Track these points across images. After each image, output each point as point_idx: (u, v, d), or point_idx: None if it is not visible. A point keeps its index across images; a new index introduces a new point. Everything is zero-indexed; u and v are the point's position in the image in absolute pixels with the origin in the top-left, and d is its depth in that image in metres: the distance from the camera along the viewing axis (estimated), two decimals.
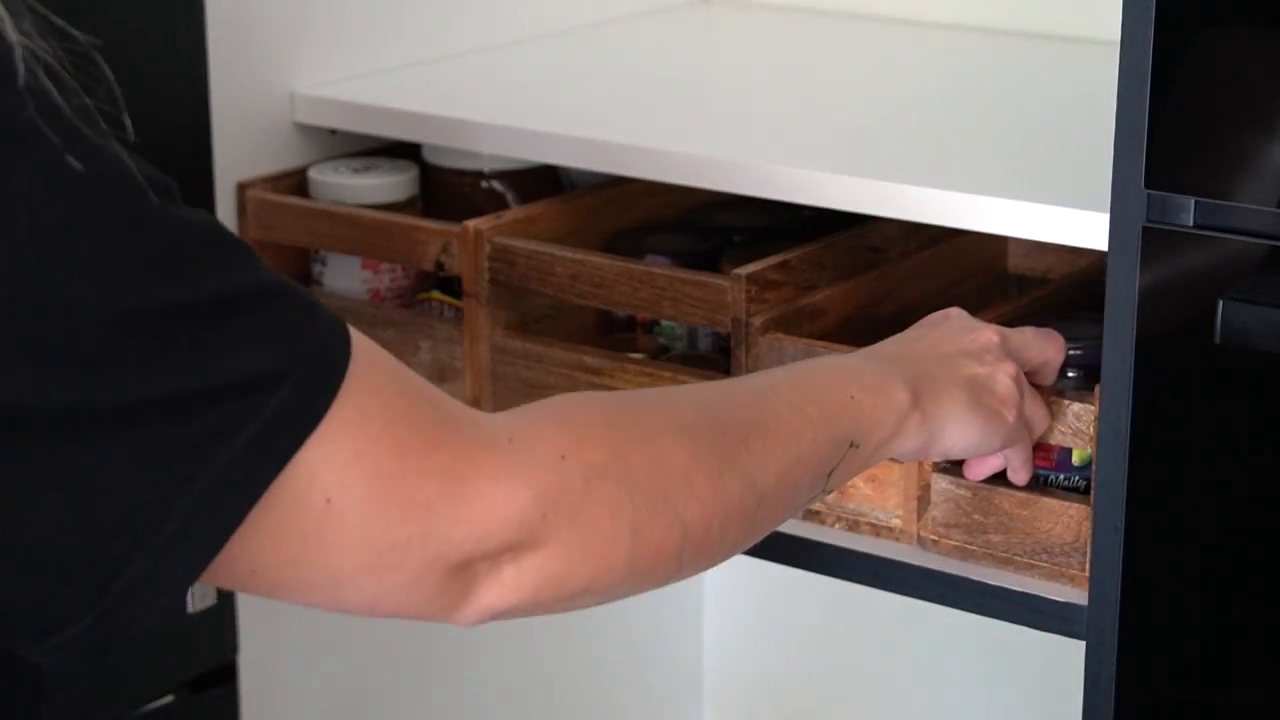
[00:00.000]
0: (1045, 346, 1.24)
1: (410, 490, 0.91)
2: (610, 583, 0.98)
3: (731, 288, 1.35)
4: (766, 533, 1.06)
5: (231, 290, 0.87)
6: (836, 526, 1.34)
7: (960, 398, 1.16)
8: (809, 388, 1.09)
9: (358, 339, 0.91)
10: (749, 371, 1.34)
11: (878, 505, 1.32)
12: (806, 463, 1.06)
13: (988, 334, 1.20)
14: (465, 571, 0.94)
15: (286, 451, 0.87)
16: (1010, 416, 1.19)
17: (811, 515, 1.35)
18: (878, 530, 1.32)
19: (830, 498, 1.33)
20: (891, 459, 1.17)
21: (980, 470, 1.26)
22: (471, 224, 1.44)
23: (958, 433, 1.16)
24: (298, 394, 0.87)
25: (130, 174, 0.89)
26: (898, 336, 1.21)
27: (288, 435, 0.87)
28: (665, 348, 1.48)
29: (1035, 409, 1.22)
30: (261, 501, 0.87)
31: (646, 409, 1.02)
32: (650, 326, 1.50)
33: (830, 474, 1.09)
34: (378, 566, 0.92)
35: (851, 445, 1.09)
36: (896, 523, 1.31)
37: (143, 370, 0.84)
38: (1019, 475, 1.25)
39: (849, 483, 1.30)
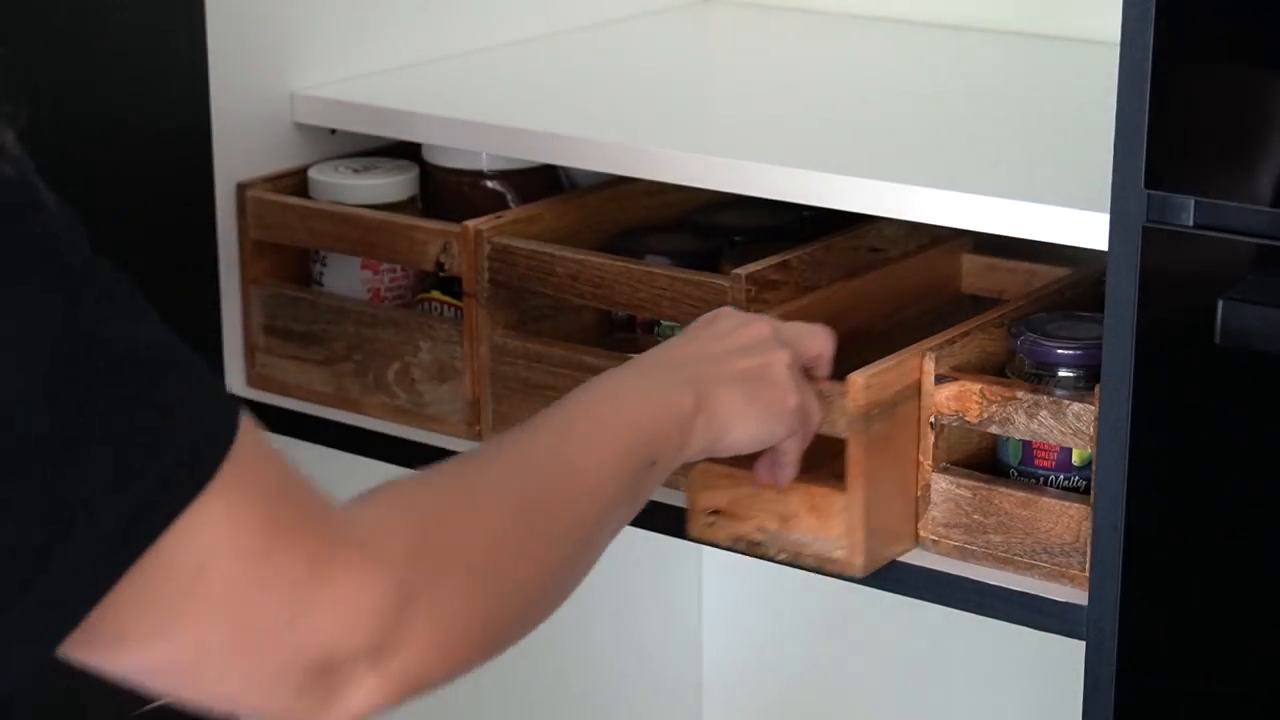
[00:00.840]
0: (816, 339, 1.25)
1: (278, 568, 0.91)
2: (467, 666, 0.99)
3: (731, 288, 1.35)
4: (592, 567, 1.10)
5: (136, 352, 0.87)
6: (779, 558, 1.29)
7: (739, 392, 1.18)
8: (604, 424, 1.11)
9: (245, 418, 0.91)
10: None
11: (820, 535, 1.27)
12: (617, 499, 1.10)
13: (758, 326, 1.21)
14: (327, 673, 0.93)
15: (166, 517, 0.87)
16: (791, 403, 1.20)
17: (753, 547, 1.30)
18: (821, 563, 1.28)
19: (772, 527, 1.28)
20: (685, 463, 1.19)
21: (767, 473, 1.26)
22: (471, 224, 1.44)
23: (741, 427, 1.18)
24: (182, 462, 0.87)
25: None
26: (669, 341, 1.22)
27: (168, 502, 0.87)
28: None
29: (810, 400, 1.23)
30: (135, 567, 0.86)
31: (479, 488, 1.03)
32: (650, 327, 1.50)
33: (636, 498, 1.12)
34: (241, 649, 0.91)
35: (651, 464, 1.12)
36: (840, 554, 1.27)
37: (34, 419, 0.83)
38: (787, 471, 1.25)
39: (791, 513, 1.28)
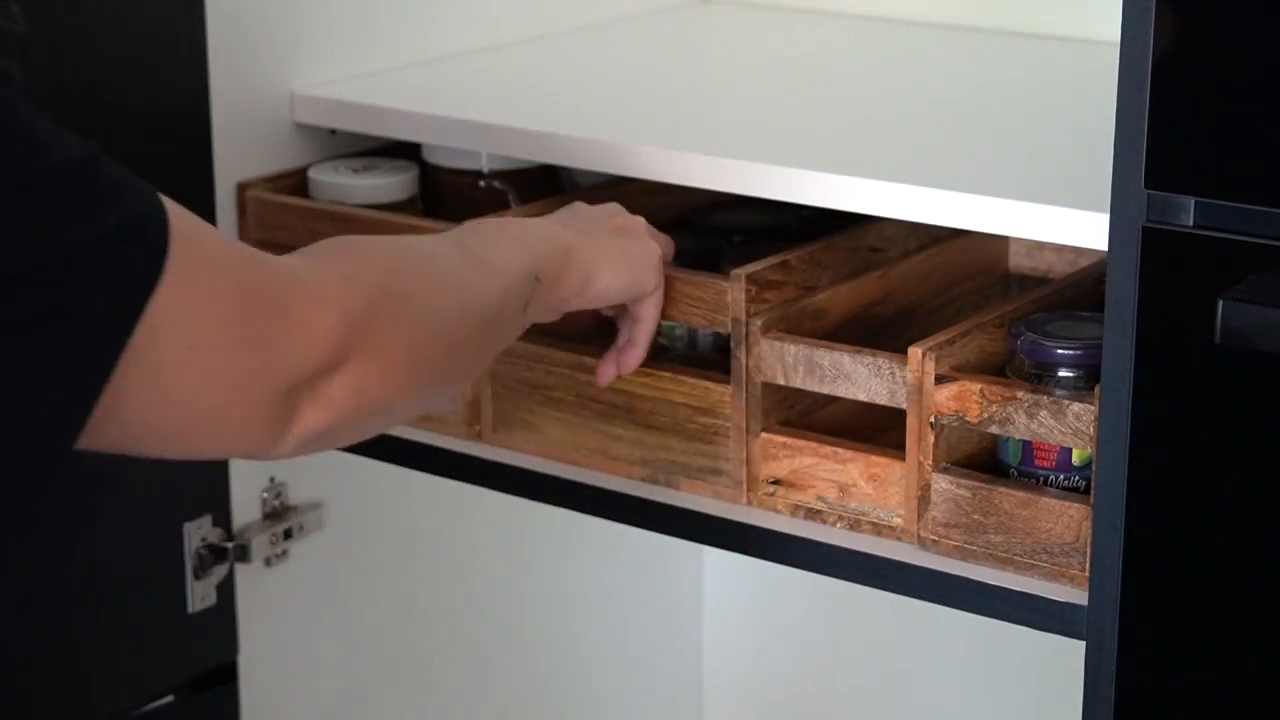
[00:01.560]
0: (660, 237, 1.38)
1: (250, 326, 1.02)
2: (400, 396, 1.12)
3: (732, 288, 1.35)
4: (492, 358, 1.25)
5: (57, 161, 0.94)
6: (838, 526, 1.34)
7: (607, 240, 1.32)
8: (496, 232, 1.26)
9: (167, 200, 0.99)
10: (752, 372, 1.35)
11: (879, 504, 1.32)
12: (510, 290, 1.22)
13: (612, 204, 1.36)
14: (290, 398, 1.05)
15: (142, 300, 0.96)
16: (654, 253, 1.34)
17: (812, 515, 1.35)
18: (879, 530, 1.32)
19: (832, 497, 1.33)
20: (563, 312, 1.31)
21: (621, 358, 1.37)
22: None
23: (611, 268, 1.31)
24: (139, 246, 0.96)
25: None
26: (536, 219, 1.34)
27: (139, 284, 0.96)
28: (665, 348, 1.48)
29: (662, 270, 1.35)
30: (128, 355, 0.96)
31: (402, 246, 1.18)
32: None
33: (525, 308, 1.25)
34: (228, 405, 1.03)
35: (536, 279, 1.25)
36: (898, 521, 1.31)
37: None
38: (636, 351, 1.37)
39: (850, 482, 1.32)
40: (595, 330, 1.49)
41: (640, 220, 1.36)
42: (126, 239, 0.95)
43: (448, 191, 1.57)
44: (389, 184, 1.55)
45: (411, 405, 1.16)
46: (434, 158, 1.58)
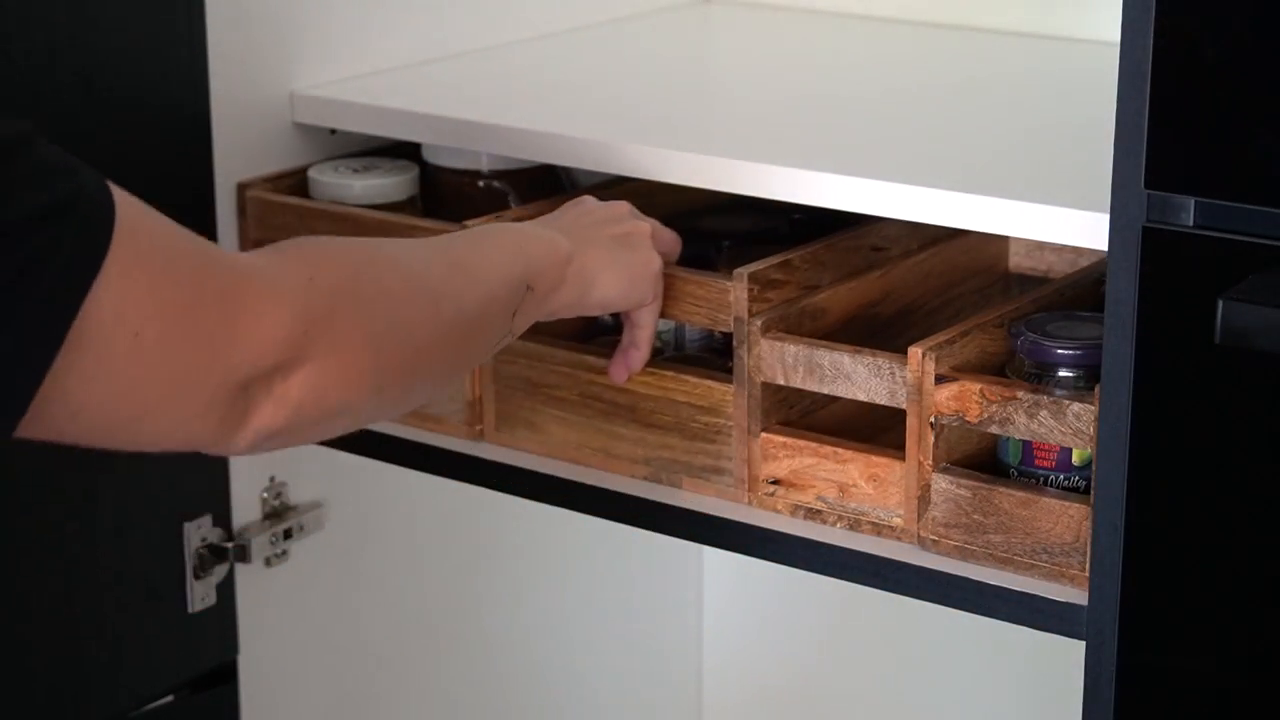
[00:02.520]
0: (667, 235, 1.38)
1: (199, 317, 1.02)
2: (360, 398, 1.11)
3: (734, 287, 1.35)
4: (473, 364, 1.25)
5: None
6: (838, 526, 1.34)
7: (607, 250, 1.32)
8: (488, 239, 1.26)
9: (115, 188, 0.99)
10: (753, 372, 1.35)
11: (879, 504, 1.32)
12: (497, 298, 1.22)
13: (620, 205, 1.36)
14: (244, 394, 1.05)
15: (85, 284, 0.96)
16: (654, 267, 1.34)
17: (812, 515, 1.35)
18: (879, 530, 1.32)
19: (832, 497, 1.33)
20: (558, 317, 1.31)
21: (626, 359, 1.38)
22: (471, 224, 1.44)
23: (609, 280, 1.31)
24: (82, 231, 0.96)
25: None
26: (543, 216, 1.35)
27: (82, 269, 0.96)
28: (658, 350, 1.48)
29: (661, 280, 1.36)
30: (72, 340, 0.96)
31: (371, 248, 1.17)
32: None
33: (514, 315, 1.24)
34: (176, 396, 1.02)
35: (528, 288, 1.25)
36: (898, 521, 1.31)
37: None
38: (638, 354, 1.37)
39: (850, 482, 1.31)
40: (581, 336, 1.49)
41: (645, 227, 1.35)
42: (61, 220, 0.95)
43: (447, 191, 1.57)
44: (389, 184, 1.55)
45: (376, 407, 1.15)
46: (434, 158, 1.58)
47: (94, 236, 0.97)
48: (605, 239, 1.32)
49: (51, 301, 0.95)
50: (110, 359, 0.98)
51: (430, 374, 1.19)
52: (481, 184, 1.56)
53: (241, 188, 1.54)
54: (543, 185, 1.57)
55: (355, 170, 1.56)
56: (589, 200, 1.37)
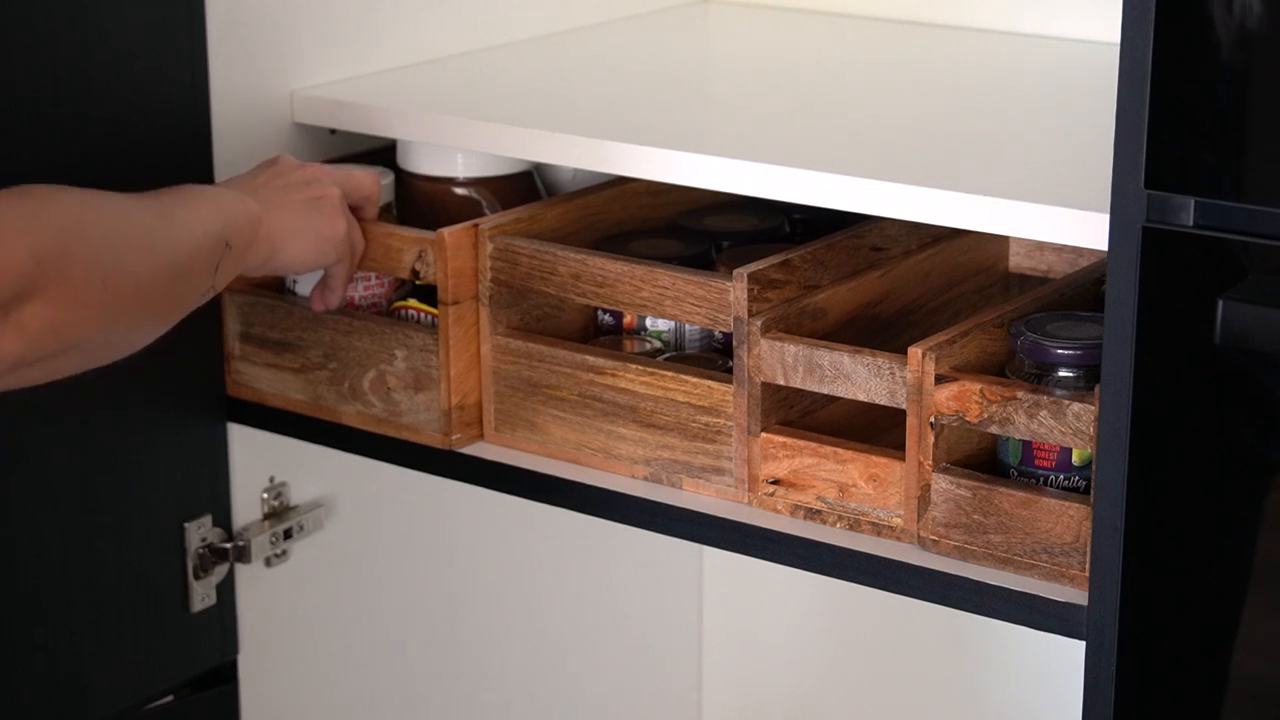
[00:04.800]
0: (366, 180, 1.46)
1: None
2: (92, 332, 1.20)
3: (734, 287, 1.35)
4: (185, 309, 1.29)
5: None
6: (838, 526, 1.34)
7: (296, 214, 1.39)
8: (191, 196, 1.32)
9: None
10: (753, 372, 1.35)
11: (879, 505, 1.32)
12: (202, 249, 1.30)
13: (312, 169, 1.43)
14: None
15: None
16: (340, 231, 1.41)
17: (812, 515, 1.35)
18: (879, 530, 1.32)
19: (832, 497, 1.33)
20: (249, 277, 1.41)
21: (319, 299, 1.47)
22: (476, 222, 1.44)
23: (297, 245, 1.39)
24: None
25: None
26: (234, 177, 1.43)
27: None
28: (659, 350, 1.48)
29: (356, 232, 1.44)
30: None
31: (90, 194, 1.24)
32: (635, 332, 1.50)
33: (216, 270, 1.31)
34: None
35: (227, 246, 1.32)
36: (898, 522, 1.32)
37: None
38: (333, 296, 1.46)
39: (850, 482, 1.32)
40: (581, 337, 1.49)
41: (334, 192, 1.42)
42: None
43: (422, 199, 1.56)
44: None
45: (105, 343, 1.24)
46: (409, 165, 1.57)
47: None
48: (295, 203, 1.39)
49: None
50: None
51: (151, 314, 1.27)
52: (458, 191, 1.55)
53: None
54: (520, 192, 1.56)
55: None
56: (284, 161, 1.43)
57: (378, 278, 1.52)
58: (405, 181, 1.57)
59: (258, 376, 1.53)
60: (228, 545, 1.57)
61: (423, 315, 1.48)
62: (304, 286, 1.52)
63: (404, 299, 1.50)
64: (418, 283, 1.47)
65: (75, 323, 1.18)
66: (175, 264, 1.27)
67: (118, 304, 1.22)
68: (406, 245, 1.45)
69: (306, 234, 1.40)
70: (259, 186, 1.40)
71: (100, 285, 1.20)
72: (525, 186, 1.57)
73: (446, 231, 1.43)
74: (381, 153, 1.59)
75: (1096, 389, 1.21)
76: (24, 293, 1.15)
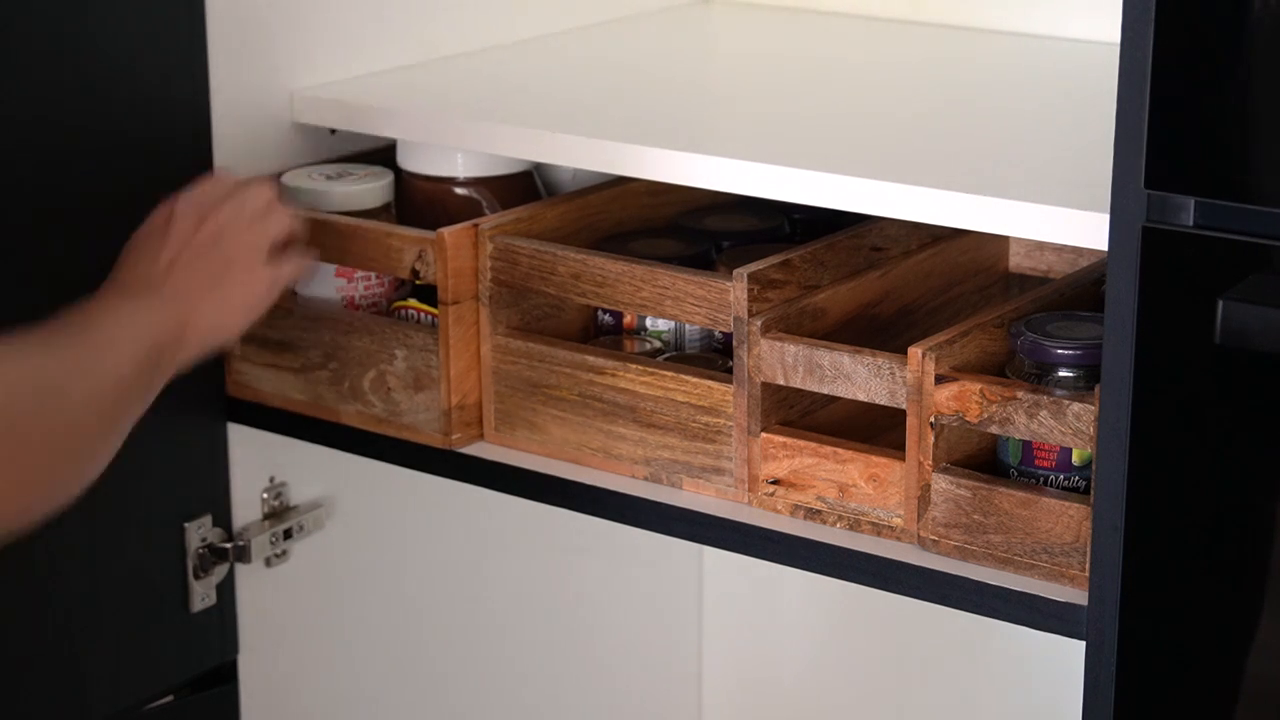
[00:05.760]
0: (259, 197, 1.36)
1: None
2: (35, 506, 1.16)
3: (734, 287, 1.35)
4: (120, 436, 1.23)
5: None
6: (838, 526, 1.34)
7: (212, 293, 1.32)
8: (102, 334, 1.24)
9: None
10: (753, 372, 1.35)
11: (879, 505, 1.32)
12: (127, 383, 1.24)
13: (211, 219, 1.33)
14: None
15: None
16: (262, 287, 1.35)
17: (812, 515, 1.35)
18: (879, 530, 1.32)
19: (832, 497, 1.33)
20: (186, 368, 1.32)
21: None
22: (476, 222, 1.44)
23: (225, 322, 1.33)
24: None
25: None
26: (132, 257, 1.32)
27: None
28: (659, 350, 1.48)
29: (274, 268, 1.36)
30: None
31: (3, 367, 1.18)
32: (635, 332, 1.50)
33: (147, 389, 1.26)
34: None
35: (156, 365, 1.26)
36: (898, 522, 1.31)
37: None
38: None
39: (850, 482, 1.32)
40: (580, 338, 1.49)
41: (243, 242, 1.34)
42: None
43: (421, 199, 1.56)
44: (363, 190, 1.52)
45: (48, 507, 1.18)
46: (408, 164, 1.57)
47: None
48: (205, 281, 1.32)
49: None
50: None
51: (81, 460, 1.21)
52: (459, 191, 1.55)
53: None
54: (520, 192, 1.56)
55: (329, 177, 1.53)
56: (179, 215, 1.34)
57: (378, 277, 1.52)
58: (405, 181, 1.57)
59: (258, 376, 1.53)
60: (228, 545, 1.57)
61: (423, 315, 1.48)
62: (304, 285, 1.52)
63: (404, 299, 1.50)
64: (417, 283, 1.47)
65: (15, 505, 1.15)
66: (103, 411, 1.22)
67: (52, 476, 1.18)
68: (406, 245, 1.45)
69: (231, 308, 1.34)
70: (169, 271, 1.32)
71: (33, 469, 1.16)
72: (525, 186, 1.57)
73: (446, 231, 1.43)
74: (381, 152, 1.59)
75: (1096, 389, 1.21)
76: None
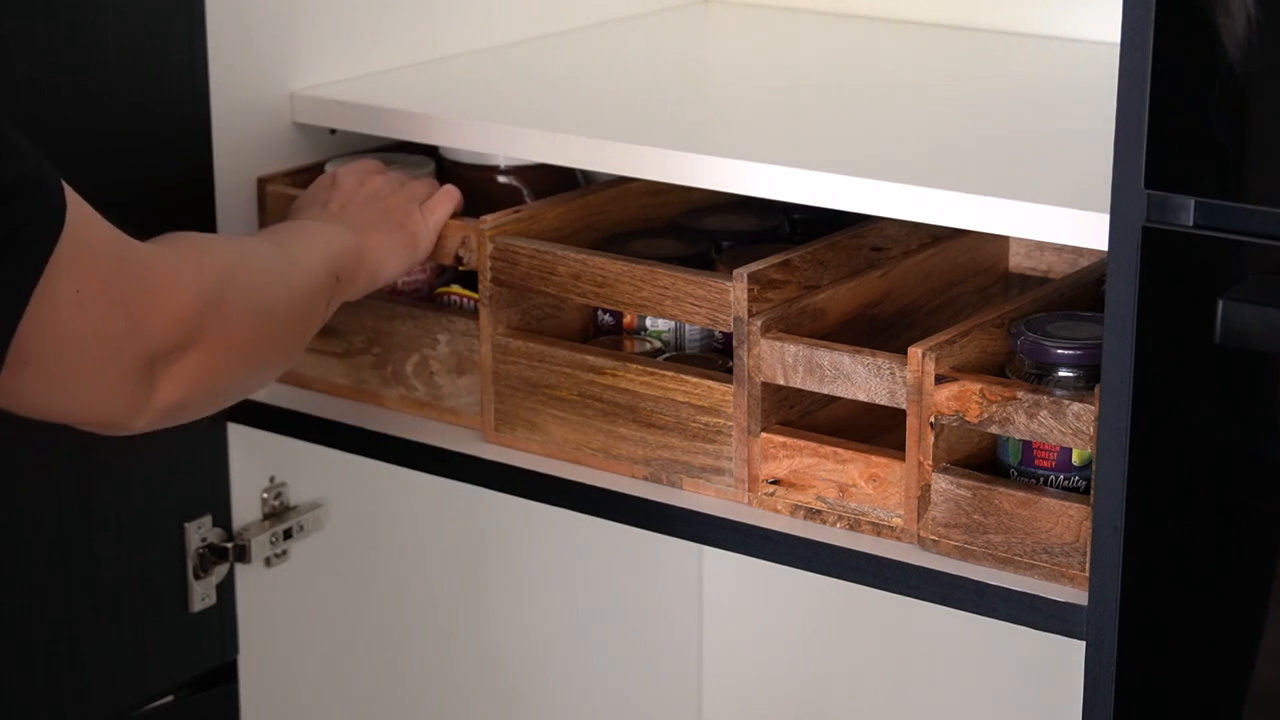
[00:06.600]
0: (423, 182, 1.51)
1: (123, 285, 1.15)
2: (240, 376, 1.27)
3: (734, 287, 1.35)
4: (305, 345, 1.37)
5: None
6: (838, 526, 1.34)
7: (383, 232, 1.44)
8: (305, 236, 1.40)
9: (64, 186, 1.11)
10: (753, 372, 1.35)
11: (879, 505, 1.32)
12: (322, 286, 1.36)
13: (370, 183, 1.47)
14: (150, 370, 1.18)
15: (49, 246, 1.09)
16: (423, 231, 1.46)
17: (812, 515, 1.35)
18: (879, 530, 1.32)
19: (832, 497, 1.33)
20: (354, 299, 1.44)
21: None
22: (480, 221, 1.45)
23: (393, 261, 1.44)
24: (47, 197, 1.09)
25: None
26: (308, 203, 1.47)
27: (47, 235, 1.09)
28: (659, 350, 1.48)
29: (431, 235, 1.48)
30: (28, 311, 1.09)
31: (234, 241, 1.36)
32: (635, 332, 1.50)
33: (328, 304, 1.38)
34: (98, 363, 1.15)
35: (336, 280, 1.38)
36: (898, 522, 1.32)
37: None
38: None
39: (850, 482, 1.32)
40: (581, 338, 1.49)
41: (403, 194, 1.47)
42: (30, 190, 1.07)
43: (464, 187, 1.57)
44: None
45: (247, 385, 1.32)
46: (451, 154, 1.58)
47: (55, 203, 1.10)
48: (377, 221, 1.44)
49: (22, 261, 1.08)
50: (57, 309, 1.11)
51: (283, 353, 1.34)
52: (500, 179, 1.56)
53: (262, 182, 1.55)
54: (557, 182, 1.57)
55: None
56: (342, 179, 1.48)
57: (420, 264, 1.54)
58: (447, 169, 1.58)
59: (301, 362, 1.54)
60: (228, 545, 1.57)
61: (466, 300, 1.50)
62: None
63: (447, 285, 1.52)
64: (460, 268, 1.48)
65: (227, 370, 1.24)
66: (304, 305, 1.34)
67: (262, 348, 1.28)
68: (451, 231, 1.47)
69: (400, 249, 1.44)
70: (341, 213, 1.44)
71: (251, 332, 1.26)
72: (566, 176, 1.58)
73: (490, 218, 1.45)
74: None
75: (1096, 389, 1.21)
76: (187, 341, 1.19)
